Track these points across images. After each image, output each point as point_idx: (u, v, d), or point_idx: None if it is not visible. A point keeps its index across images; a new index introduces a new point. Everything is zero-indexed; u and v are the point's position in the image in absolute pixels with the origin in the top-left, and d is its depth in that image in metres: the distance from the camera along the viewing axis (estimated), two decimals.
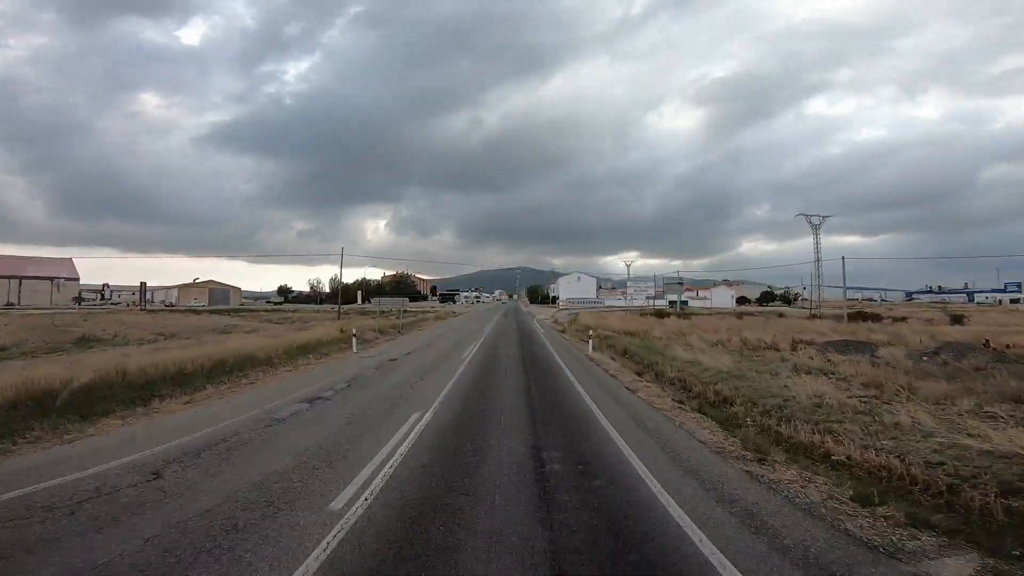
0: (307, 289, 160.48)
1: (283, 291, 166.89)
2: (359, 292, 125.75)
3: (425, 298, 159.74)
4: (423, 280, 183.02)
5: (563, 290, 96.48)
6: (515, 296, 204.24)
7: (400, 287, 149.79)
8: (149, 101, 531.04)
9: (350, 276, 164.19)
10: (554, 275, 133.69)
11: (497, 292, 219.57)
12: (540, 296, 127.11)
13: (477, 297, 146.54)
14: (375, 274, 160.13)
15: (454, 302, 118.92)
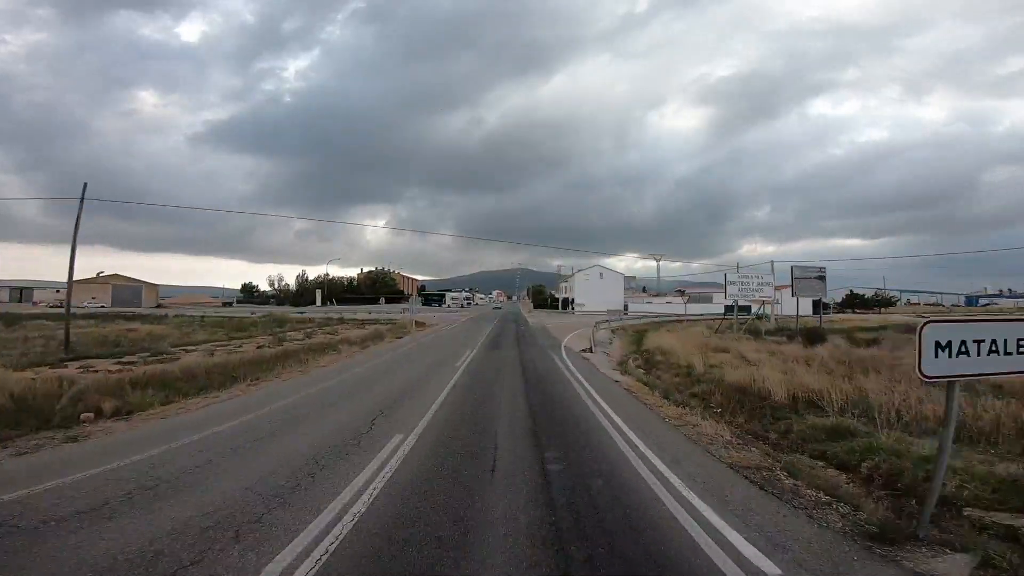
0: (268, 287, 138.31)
1: (247, 289, 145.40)
2: (317, 292, 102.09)
3: (408, 299, 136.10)
4: (409, 279, 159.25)
5: (580, 290, 72.53)
6: (515, 298, 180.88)
7: (376, 286, 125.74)
8: (146, 99, 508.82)
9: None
10: (560, 276, 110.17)
11: (495, 293, 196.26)
12: (549, 299, 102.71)
13: (468, 299, 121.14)
14: (351, 271, 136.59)
15: (440, 304, 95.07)
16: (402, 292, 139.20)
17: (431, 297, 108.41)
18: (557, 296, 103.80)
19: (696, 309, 69.82)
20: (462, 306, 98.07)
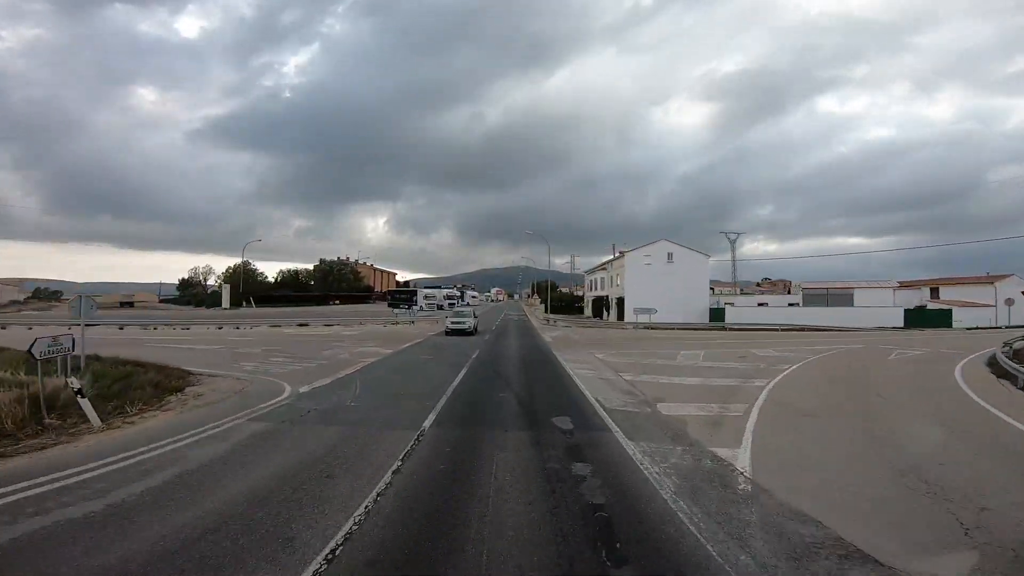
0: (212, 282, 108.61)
1: (185, 285, 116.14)
2: (224, 290, 70.68)
3: (383, 299, 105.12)
4: (383, 272, 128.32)
5: (634, 283, 41.30)
6: (517, 296, 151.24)
7: (329, 284, 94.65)
8: (145, 95, 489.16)
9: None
10: (573, 276, 78.75)
11: (494, 291, 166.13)
12: (580, 303, 70.74)
13: (453, 298, 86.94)
14: (303, 263, 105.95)
15: (409, 307, 63.47)
16: (370, 289, 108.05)
17: (399, 296, 76.46)
18: (578, 294, 72.65)
19: (837, 315, 39.29)
20: (441, 307, 66.74)
